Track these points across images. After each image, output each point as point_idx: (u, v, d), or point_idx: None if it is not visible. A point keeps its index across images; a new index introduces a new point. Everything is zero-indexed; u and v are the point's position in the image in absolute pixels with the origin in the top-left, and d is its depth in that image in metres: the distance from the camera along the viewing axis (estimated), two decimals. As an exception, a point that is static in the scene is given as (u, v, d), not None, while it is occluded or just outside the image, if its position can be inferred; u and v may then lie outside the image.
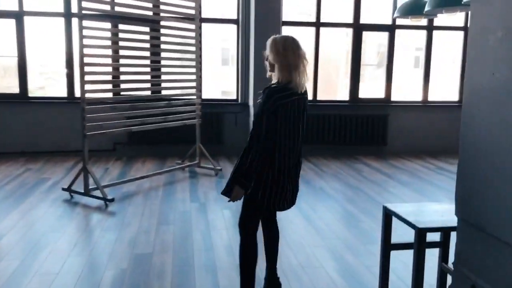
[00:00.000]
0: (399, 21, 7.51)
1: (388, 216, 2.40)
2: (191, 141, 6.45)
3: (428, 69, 7.77)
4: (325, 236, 4.01)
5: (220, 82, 9.41)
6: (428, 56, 7.73)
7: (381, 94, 7.77)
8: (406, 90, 8.78)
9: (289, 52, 2.49)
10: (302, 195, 5.31)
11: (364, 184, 5.83)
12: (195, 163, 6.30)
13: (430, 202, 5.06)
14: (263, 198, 2.51)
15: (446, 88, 8.15)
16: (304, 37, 9.87)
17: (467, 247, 1.80)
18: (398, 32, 7.61)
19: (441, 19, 7.28)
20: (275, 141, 2.45)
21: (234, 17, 7.32)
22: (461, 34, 7.77)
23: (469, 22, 1.76)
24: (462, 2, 3.45)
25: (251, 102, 7.14)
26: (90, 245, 3.76)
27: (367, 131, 7.57)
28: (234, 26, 7.34)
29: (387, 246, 2.42)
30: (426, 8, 3.99)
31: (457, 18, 7.85)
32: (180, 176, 6.03)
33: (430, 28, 7.64)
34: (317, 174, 6.29)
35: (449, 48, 8.08)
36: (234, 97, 7.53)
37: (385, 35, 7.62)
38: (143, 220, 4.33)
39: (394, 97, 7.80)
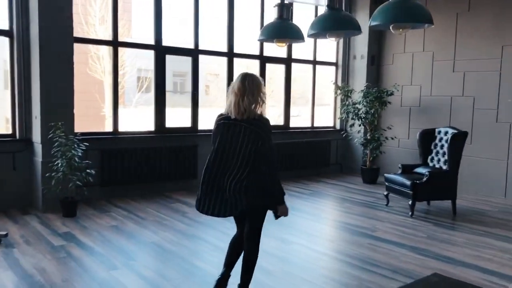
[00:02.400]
0: (202, 46, 7.08)
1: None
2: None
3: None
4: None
5: None
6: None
7: (187, 123, 7.15)
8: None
9: (229, 88, 2.99)
10: (137, 257, 4.23)
11: (197, 228, 5.07)
12: (-38, 230, 4.38)
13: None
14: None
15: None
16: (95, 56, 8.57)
17: None
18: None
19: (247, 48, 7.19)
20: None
21: (6, 27, 5.58)
22: (282, 67, 7.83)
23: None
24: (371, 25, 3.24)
25: (36, 138, 5.53)
26: None
27: (176, 164, 6.82)
28: (6, 39, 5.59)
29: None
30: (310, 32, 3.65)
31: (281, 50, 7.93)
32: None
33: (230, 55, 7.44)
34: (138, 223, 5.20)
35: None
36: (10, 131, 5.71)
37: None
38: None
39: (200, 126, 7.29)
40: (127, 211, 5.66)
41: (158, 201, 6.22)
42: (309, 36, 3.59)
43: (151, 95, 7.00)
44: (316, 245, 4.59)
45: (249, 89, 2.84)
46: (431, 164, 6.26)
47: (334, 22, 3.47)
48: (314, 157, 8.53)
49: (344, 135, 8.75)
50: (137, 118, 10.41)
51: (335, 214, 5.92)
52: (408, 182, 5.73)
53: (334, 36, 3.63)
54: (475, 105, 7.36)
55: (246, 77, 2.89)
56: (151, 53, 6.70)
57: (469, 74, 7.42)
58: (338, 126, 9.07)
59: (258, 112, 2.90)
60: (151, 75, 7.52)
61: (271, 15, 4.42)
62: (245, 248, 3.05)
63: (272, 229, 5.06)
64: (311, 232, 5.11)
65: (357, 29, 3.57)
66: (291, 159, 8.16)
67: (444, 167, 6.00)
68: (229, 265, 3.13)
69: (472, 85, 7.40)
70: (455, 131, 5.94)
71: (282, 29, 3.70)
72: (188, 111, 7.12)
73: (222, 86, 7.52)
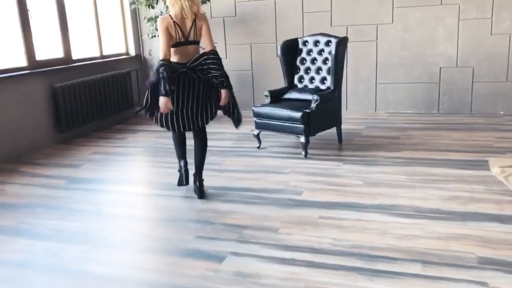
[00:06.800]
0: None
1: None
2: None
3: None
4: None
5: None
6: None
7: None
8: None
9: None
10: None
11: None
12: None
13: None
14: None
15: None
16: None
17: None
18: None
19: None
20: None
21: None
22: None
23: None
24: None
25: None
26: None
27: None
28: None
29: None
30: None
31: None
32: None
33: None
34: None
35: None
36: None
37: None
38: None
39: None
40: None
41: None
42: None
43: None
44: (275, 249, 2.71)
45: None
46: (300, 86, 4.90)
47: None
48: (114, 97, 6.14)
49: (144, 63, 6.58)
50: None
51: (216, 178, 3.99)
52: (297, 114, 4.26)
53: None
54: (304, 8, 6.23)
55: None
56: None
57: (294, -30, 6.17)
58: (133, 52, 6.76)
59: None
60: None
61: None
62: (200, 141, 3.44)
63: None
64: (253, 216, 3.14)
65: None
66: (84, 107, 5.60)
67: (323, 87, 4.73)
68: (184, 155, 3.54)
69: (298, -16, 6.19)
70: (333, 38, 4.66)
71: None
72: None
73: None
